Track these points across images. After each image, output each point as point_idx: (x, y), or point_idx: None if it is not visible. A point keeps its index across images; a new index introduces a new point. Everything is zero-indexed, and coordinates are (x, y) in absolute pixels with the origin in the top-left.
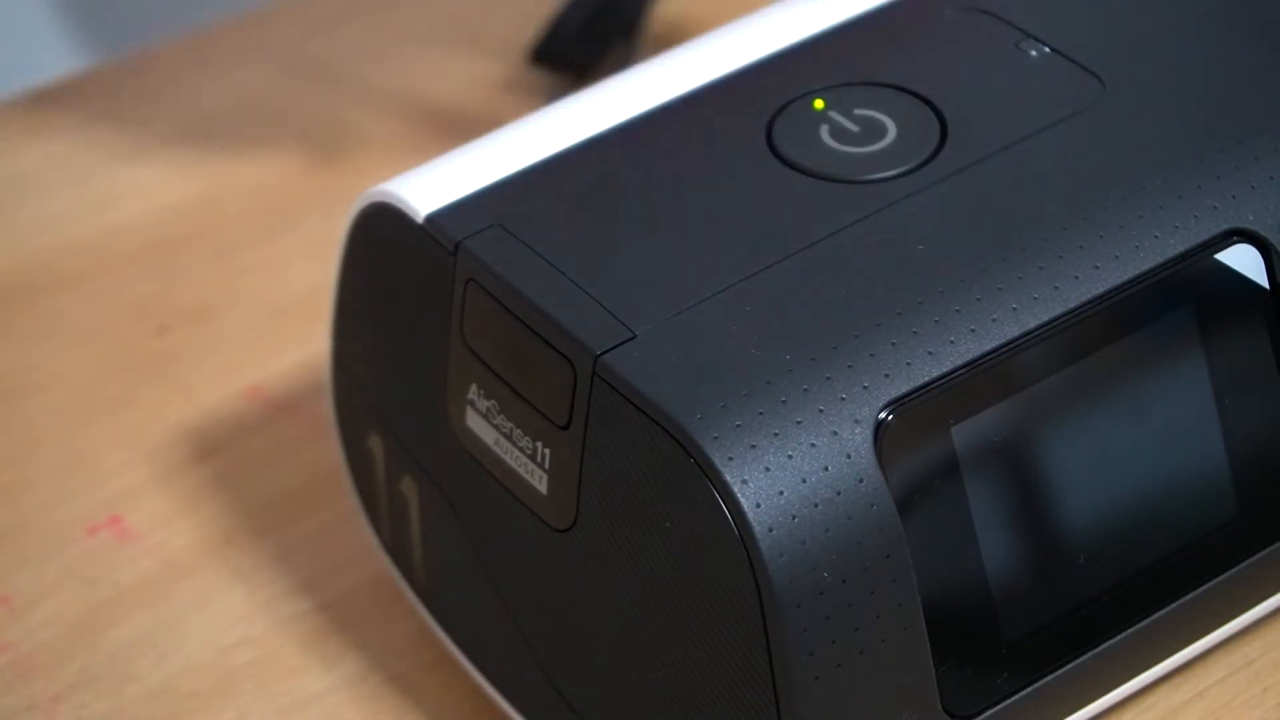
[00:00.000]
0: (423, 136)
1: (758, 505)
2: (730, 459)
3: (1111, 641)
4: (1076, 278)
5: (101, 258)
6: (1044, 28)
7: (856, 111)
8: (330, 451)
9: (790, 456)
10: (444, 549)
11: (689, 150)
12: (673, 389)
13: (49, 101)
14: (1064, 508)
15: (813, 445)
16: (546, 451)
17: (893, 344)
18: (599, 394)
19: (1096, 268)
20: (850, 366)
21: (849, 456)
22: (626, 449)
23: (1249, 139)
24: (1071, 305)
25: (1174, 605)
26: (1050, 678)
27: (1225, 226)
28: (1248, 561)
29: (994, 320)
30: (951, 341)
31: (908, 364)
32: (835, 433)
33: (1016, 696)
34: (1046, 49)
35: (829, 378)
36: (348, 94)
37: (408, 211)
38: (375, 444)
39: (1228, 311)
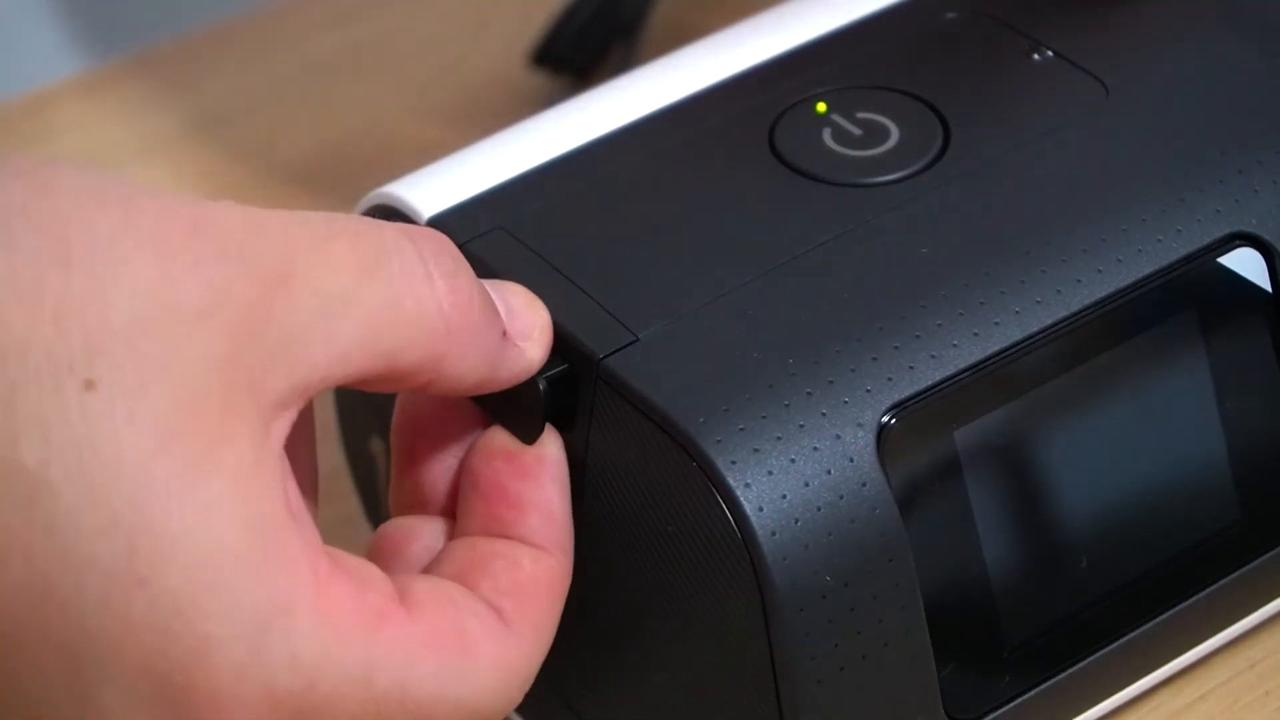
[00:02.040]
0: (424, 139)
1: (760, 509)
2: (733, 462)
3: (1114, 645)
4: (1079, 281)
5: None
6: (1047, 32)
7: (859, 115)
8: (332, 454)
9: (793, 460)
10: None
11: (691, 153)
12: (675, 392)
13: (52, 101)
14: (1066, 511)
15: (815, 449)
16: None
17: (895, 347)
18: (601, 397)
19: (1099, 271)
20: (853, 370)
21: (852, 460)
22: (629, 452)
23: (1251, 143)
24: (1074, 309)
25: (1176, 609)
26: (1053, 681)
27: (1228, 230)
28: (1250, 565)
29: (996, 324)
30: (954, 345)
31: (910, 367)
32: (838, 436)
33: (1019, 700)
34: (1049, 53)
35: (831, 381)
36: (349, 96)
37: (410, 214)
38: (377, 446)
39: (1230, 315)
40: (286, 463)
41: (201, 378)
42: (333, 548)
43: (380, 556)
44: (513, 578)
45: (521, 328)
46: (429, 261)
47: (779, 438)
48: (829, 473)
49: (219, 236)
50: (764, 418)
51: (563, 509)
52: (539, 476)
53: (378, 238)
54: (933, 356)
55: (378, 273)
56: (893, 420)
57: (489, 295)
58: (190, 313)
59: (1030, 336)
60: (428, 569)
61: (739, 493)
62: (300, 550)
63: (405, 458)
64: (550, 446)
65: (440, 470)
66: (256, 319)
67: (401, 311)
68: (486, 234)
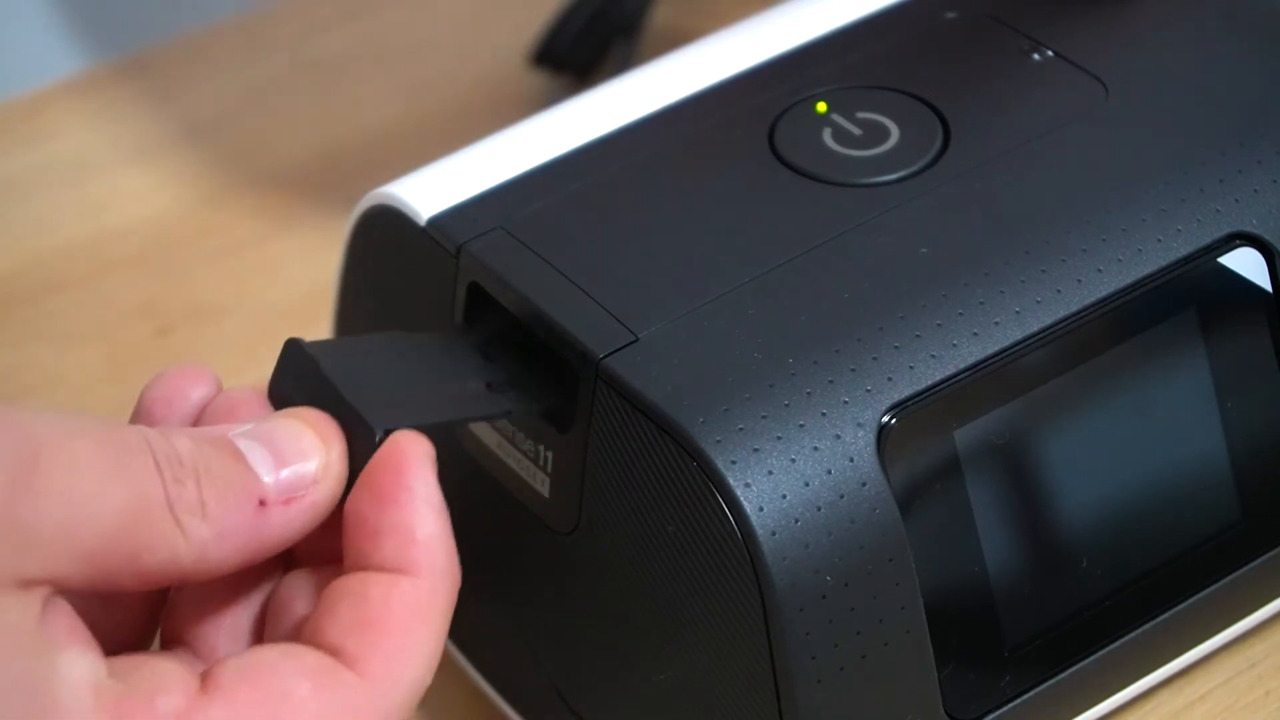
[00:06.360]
0: (424, 138)
1: (760, 508)
2: (733, 462)
3: (1114, 645)
4: (1079, 281)
5: (102, 259)
6: (1047, 32)
7: (859, 114)
8: None
9: (793, 460)
10: None
11: (691, 153)
12: (675, 392)
13: (49, 102)
14: (1067, 511)
15: (815, 448)
16: (549, 455)
17: (895, 347)
18: (601, 397)
19: (1099, 271)
20: (853, 370)
21: (852, 460)
22: (629, 452)
23: (1251, 143)
24: (1074, 309)
25: (1177, 609)
26: (1053, 681)
27: (1227, 230)
28: (1251, 565)
29: (997, 323)
30: (954, 345)
31: (910, 367)
32: (838, 436)
33: (1019, 700)
34: (1050, 53)
35: (832, 381)
36: (348, 95)
37: (409, 214)
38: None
39: (1230, 315)
40: (73, 622)
41: None
42: (127, 658)
43: (270, 619)
44: (358, 614)
45: (290, 483)
46: (167, 466)
47: (779, 437)
48: (829, 472)
49: None
50: (764, 417)
51: (427, 527)
52: (395, 498)
53: (119, 441)
54: (933, 356)
55: (118, 476)
56: (893, 420)
57: (243, 475)
58: None
59: (1030, 336)
60: (299, 626)
61: (739, 492)
62: (77, 697)
63: None
64: (408, 465)
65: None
66: (2, 514)
67: (140, 516)
68: (486, 234)
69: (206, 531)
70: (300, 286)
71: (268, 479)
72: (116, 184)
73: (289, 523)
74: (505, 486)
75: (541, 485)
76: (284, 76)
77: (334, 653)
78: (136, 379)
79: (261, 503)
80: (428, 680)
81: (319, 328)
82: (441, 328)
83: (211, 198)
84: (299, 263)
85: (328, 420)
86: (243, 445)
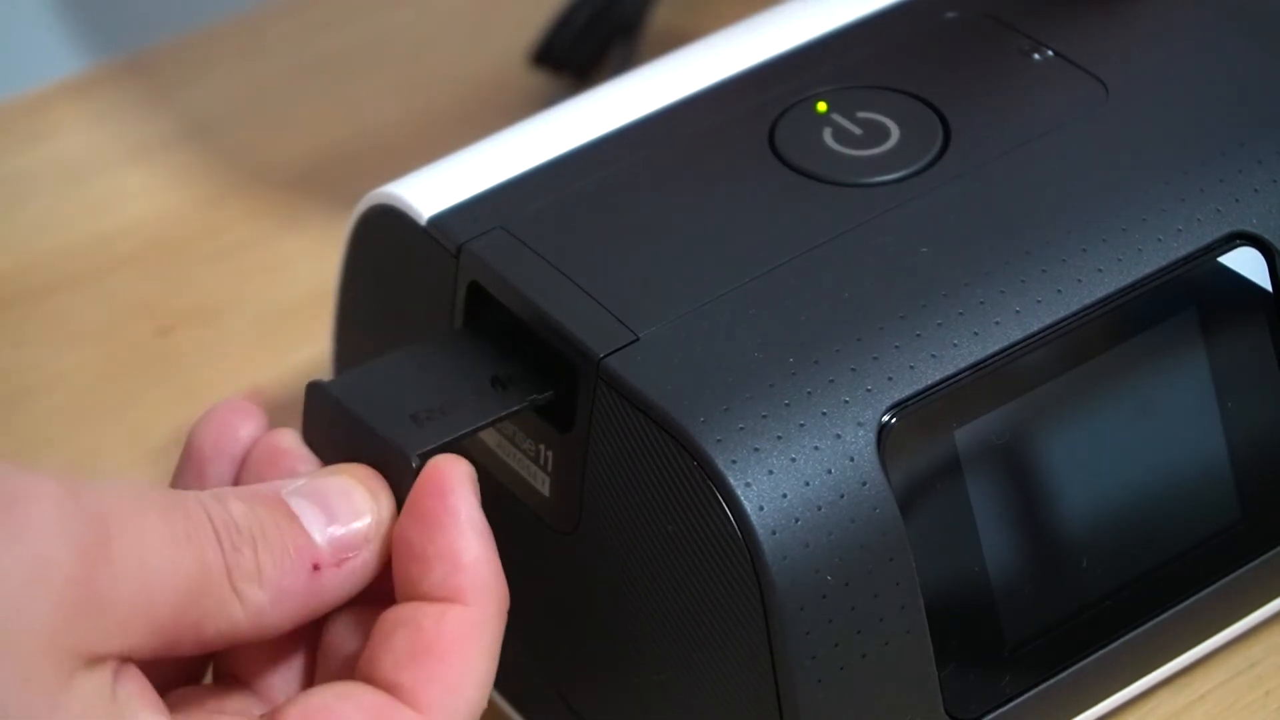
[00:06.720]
0: (424, 138)
1: (760, 508)
2: (733, 461)
3: (1114, 645)
4: (1080, 281)
5: (103, 258)
6: (1047, 32)
7: (859, 114)
8: None
9: (793, 459)
10: None
11: (692, 152)
12: (676, 392)
13: (49, 101)
14: (1067, 511)
15: (816, 448)
16: (549, 454)
17: (896, 347)
18: (602, 397)
19: (1099, 271)
20: (853, 369)
21: (852, 459)
22: (629, 452)
23: (1251, 142)
24: (1074, 308)
25: (1177, 609)
26: (1053, 681)
27: (1228, 230)
28: (1250, 565)
29: (997, 323)
30: (954, 344)
31: (911, 367)
32: (838, 435)
33: (1019, 700)
34: (1050, 53)
35: (832, 380)
36: (348, 95)
37: (410, 214)
38: None
39: (1230, 315)
40: (142, 686)
41: (35, 648)
42: (192, 716)
43: (322, 658)
44: (412, 644)
45: (343, 543)
46: (225, 533)
47: (779, 437)
48: (829, 472)
49: (37, 511)
50: (764, 417)
51: (473, 551)
52: (441, 522)
53: (181, 510)
54: (933, 356)
55: (184, 546)
56: (893, 420)
57: (298, 537)
58: (15, 587)
59: (1030, 336)
60: (352, 660)
61: (739, 492)
62: None
63: None
64: (451, 488)
65: None
66: (79, 592)
67: (202, 586)
68: (486, 234)
69: (263, 598)
70: (301, 286)
71: (320, 539)
72: (116, 184)
73: (342, 584)
74: (505, 486)
75: (541, 485)
76: (284, 76)
77: (390, 688)
78: (136, 379)
79: (315, 566)
80: (483, 705)
81: (319, 328)
82: (441, 328)
83: (211, 198)
84: (299, 263)
85: (375, 476)
86: (295, 505)
